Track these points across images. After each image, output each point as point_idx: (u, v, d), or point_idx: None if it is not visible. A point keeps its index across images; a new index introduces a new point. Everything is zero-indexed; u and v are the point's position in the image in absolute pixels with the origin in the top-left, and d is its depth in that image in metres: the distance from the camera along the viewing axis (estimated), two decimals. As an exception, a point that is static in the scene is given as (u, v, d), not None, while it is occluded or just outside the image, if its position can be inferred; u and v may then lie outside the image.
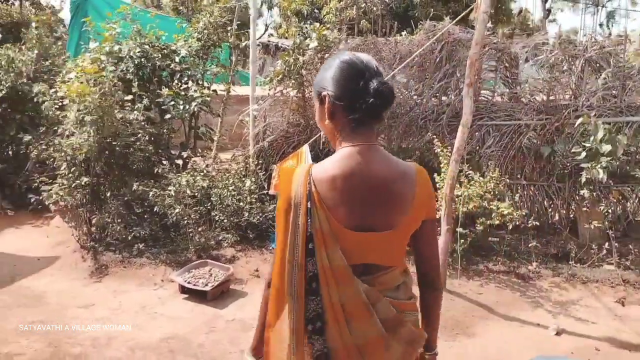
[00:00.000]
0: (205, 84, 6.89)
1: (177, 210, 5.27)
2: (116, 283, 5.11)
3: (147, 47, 6.54)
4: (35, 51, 7.48)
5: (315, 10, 21.35)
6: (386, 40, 6.10)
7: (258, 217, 5.76)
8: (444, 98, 6.18)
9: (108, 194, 5.81)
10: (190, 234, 5.47)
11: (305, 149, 5.64)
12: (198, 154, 6.67)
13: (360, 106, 1.55)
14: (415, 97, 6.17)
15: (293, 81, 5.72)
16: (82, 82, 5.65)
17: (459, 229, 4.98)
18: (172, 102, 6.24)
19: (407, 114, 5.98)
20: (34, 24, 7.90)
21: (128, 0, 10.76)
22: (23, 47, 7.63)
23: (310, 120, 6.12)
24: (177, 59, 6.61)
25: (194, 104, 6.26)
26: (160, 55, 6.55)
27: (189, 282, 4.78)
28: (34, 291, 4.88)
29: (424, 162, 5.70)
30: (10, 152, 7.58)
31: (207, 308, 4.59)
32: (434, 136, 5.57)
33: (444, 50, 5.95)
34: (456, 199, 4.89)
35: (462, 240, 5.05)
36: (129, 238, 5.70)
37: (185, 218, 5.43)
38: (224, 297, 4.81)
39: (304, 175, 1.58)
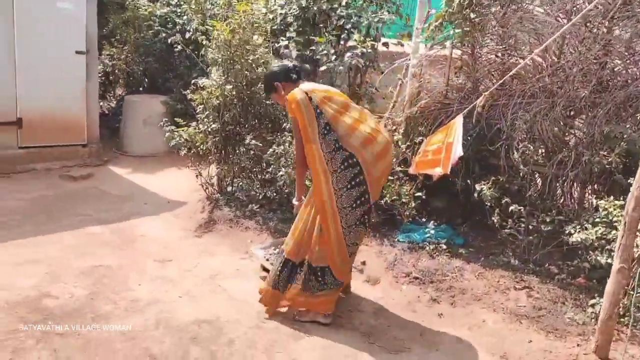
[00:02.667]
0: (373, 34, 5.84)
1: (281, 173, 4.49)
2: (212, 242, 4.64)
3: (315, -14, 5.79)
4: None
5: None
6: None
7: (388, 198, 4.62)
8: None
9: (240, 145, 5.33)
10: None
11: (459, 121, 4.26)
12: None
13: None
14: (642, 63, 4.14)
15: (457, 30, 4.31)
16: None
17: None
18: (325, 52, 5.41)
19: (622, 88, 4.03)
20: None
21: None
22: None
23: (480, 84, 4.63)
24: (343, 2, 5.70)
25: (347, 55, 5.31)
26: (326, -3, 5.74)
27: (267, 259, 4.01)
28: (134, 233, 4.71)
29: (634, 160, 3.79)
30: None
31: (274, 295, 3.76)
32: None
33: None
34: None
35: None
36: (260, 197, 5.19)
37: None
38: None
39: (303, 93, 3.26)
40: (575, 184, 4.48)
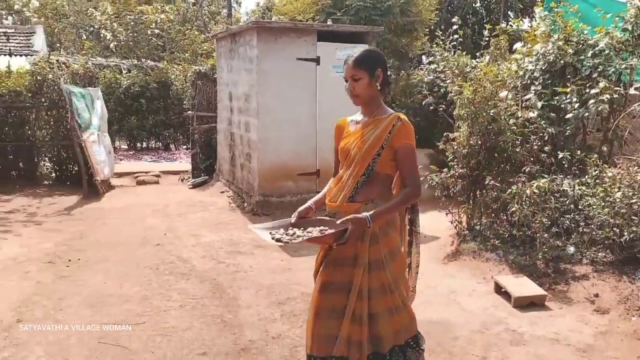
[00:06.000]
0: (625, 80, 5.93)
1: (514, 209, 5.05)
2: (455, 268, 5.44)
3: (560, 43, 6.24)
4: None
5: None
6: None
7: (627, 235, 4.72)
8: None
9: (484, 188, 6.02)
10: (538, 240, 5.11)
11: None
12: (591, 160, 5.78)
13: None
14: None
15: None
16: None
17: None
18: (568, 101, 5.80)
19: None
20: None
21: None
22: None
23: None
24: (589, 54, 6.00)
25: (591, 102, 5.60)
26: (572, 51, 6.13)
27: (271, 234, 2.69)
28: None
29: None
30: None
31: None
32: None
33: None
34: None
35: None
36: (505, 234, 5.81)
37: (537, 222, 5.10)
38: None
39: None
40: None
